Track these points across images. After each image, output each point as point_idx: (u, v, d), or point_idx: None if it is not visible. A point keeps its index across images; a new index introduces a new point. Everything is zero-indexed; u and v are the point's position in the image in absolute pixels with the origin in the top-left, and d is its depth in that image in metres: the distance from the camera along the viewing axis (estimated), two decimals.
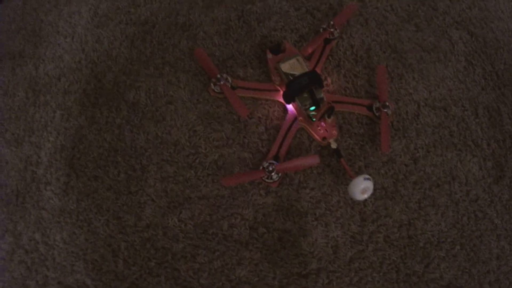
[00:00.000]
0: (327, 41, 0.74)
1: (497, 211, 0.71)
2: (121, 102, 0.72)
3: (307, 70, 0.68)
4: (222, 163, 0.69)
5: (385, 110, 0.69)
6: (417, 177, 0.71)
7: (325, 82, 0.73)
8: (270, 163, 0.66)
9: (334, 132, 0.69)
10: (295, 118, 0.69)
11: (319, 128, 0.68)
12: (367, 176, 0.64)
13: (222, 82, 0.69)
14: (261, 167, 0.66)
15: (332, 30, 0.73)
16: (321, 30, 0.75)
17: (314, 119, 0.66)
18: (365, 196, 0.65)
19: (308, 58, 0.73)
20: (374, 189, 0.69)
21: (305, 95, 0.67)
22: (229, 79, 0.71)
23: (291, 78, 0.68)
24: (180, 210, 0.68)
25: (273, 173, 0.66)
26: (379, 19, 0.78)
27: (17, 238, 0.69)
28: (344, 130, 0.71)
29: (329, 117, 0.67)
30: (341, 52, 0.75)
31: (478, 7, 0.84)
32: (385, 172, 0.70)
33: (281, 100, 0.70)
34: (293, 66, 0.68)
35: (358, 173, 0.69)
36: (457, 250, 0.69)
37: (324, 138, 0.68)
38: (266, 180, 0.67)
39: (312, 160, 0.67)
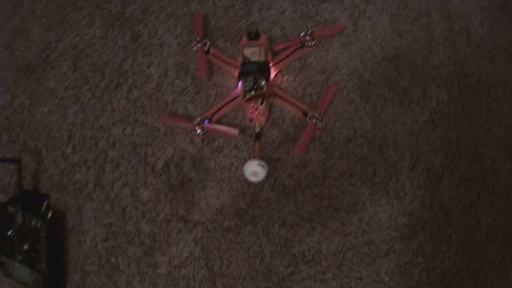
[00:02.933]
0: (302, 46, 0.82)
1: (388, 268, 0.71)
2: (129, 30, 0.89)
3: (263, 60, 0.78)
4: (171, 104, 0.83)
5: (315, 121, 0.76)
6: (319, 192, 0.75)
7: (280, 79, 0.81)
8: (201, 120, 0.78)
9: (262, 119, 0.77)
10: (239, 96, 0.80)
11: (251, 110, 0.77)
12: (263, 163, 0.72)
13: (200, 45, 0.83)
14: (194, 120, 0.79)
15: (308, 38, 0.81)
16: (301, 34, 0.82)
17: (245, 98, 0.76)
18: (254, 179, 0.74)
19: (277, 53, 0.82)
20: (274, 182, 0.77)
21: (250, 78, 0.76)
22: (208, 44, 0.83)
23: (246, 62, 0.78)
24: (126, 126, 0.84)
25: (198, 128, 0.78)
26: (362, 47, 0.82)
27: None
28: (274, 122, 0.79)
29: (261, 103, 0.76)
30: (310, 60, 0.82)
31: (477, 78, 0.80)
32: (291, 173, 0.77)
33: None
34: (253, 53, 0.78)
35: (265, 160, 0.77)
36: (328, 277, 0.72)
37: (251, 120, 0.78)
38: (194, 132, 0.79)
39: (233, 131, 0.78)
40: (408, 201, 0.73)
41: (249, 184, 0.77)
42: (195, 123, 0.78)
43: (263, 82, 0.76)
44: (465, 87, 0.80)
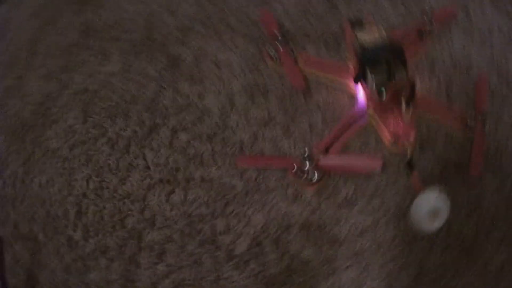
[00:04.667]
0: (420, 34, 0.54)
1: None
2: (164, 54, 0.60)
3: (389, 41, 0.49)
4: (250, 145, 0.50)
5: (482, 120, 0.47)
6: (506, 232, 0.45)
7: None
8: (311, 155, 0.45)
9: (412, 132, 0.46)
10: (365, 112, 0.49)
11: (391, 122, 0.46)
12: (443, 195, 0.40)
13: (281, 46, 0.54)
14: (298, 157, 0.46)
15: (428, 20, 0.54)
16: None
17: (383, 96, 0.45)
18: (436, 224, 0.41)
19: None
20: (447, 233, 0.43)
21: (381, 68, 0.47)
22: (294, 51, 0.55)
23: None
24: (173, 189, 0.49)
25: (310, 168, 0.45)
26: (484, 33, 0.58)
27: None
28: (425, 146, 0.48)
29: (408, 103, 0.45)
30: (437, 52, 0.55)
31: None
32: (466, 215, 0.45)
33: (351, 84, 0.51)
34: (372, 34, 0.49)
35: None
36: None
37: (396, 137, 0.46)
38: (301, 179, 0.46)
39: (372, 162, 0.45)
40: None
41: (411, 246, 0.43)
42: (303, 158, 0.45)
43: (404, 73, 0.46)
44: None
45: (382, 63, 0.45)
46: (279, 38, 0.54)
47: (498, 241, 0.45)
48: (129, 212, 0.49)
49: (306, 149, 0.45)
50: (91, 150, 0.54)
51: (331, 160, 0.45)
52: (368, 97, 0.48)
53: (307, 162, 0.45)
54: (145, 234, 0.48)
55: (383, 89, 0.46)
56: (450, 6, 0.59)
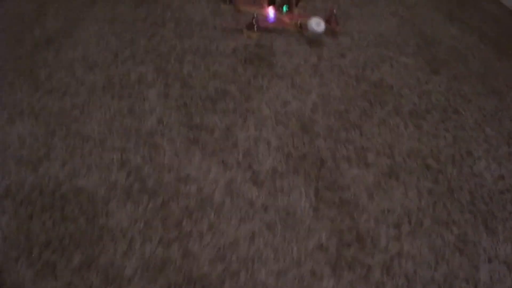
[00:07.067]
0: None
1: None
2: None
3: None
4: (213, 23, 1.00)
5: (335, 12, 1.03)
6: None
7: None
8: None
9: (299, 19, 0.99)
10: (274, 16, 1.02)
11: (288, 17, 0.99)
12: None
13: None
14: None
15: None
16: None
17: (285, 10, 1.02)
18: (320, 28, 0.94)
19: None
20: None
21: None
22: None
23: None
24: (188, 40, 0.91)
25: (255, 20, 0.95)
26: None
27: None
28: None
29: (296, 4, 0.98)
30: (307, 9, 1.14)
31: None
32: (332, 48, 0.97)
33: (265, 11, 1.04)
34: None
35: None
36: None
37: (292, 21, 0.98)
38: (251, 27, 0.94)
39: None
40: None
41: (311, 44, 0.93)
42: (253, 17, 0.95)
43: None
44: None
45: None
46: None
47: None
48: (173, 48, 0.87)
49: (255, 15, 0.93)
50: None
51: (265, 23, 0.94)
52: (276, 10, 1.01)
53: (254, 20, 0.92)
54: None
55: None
56: None
